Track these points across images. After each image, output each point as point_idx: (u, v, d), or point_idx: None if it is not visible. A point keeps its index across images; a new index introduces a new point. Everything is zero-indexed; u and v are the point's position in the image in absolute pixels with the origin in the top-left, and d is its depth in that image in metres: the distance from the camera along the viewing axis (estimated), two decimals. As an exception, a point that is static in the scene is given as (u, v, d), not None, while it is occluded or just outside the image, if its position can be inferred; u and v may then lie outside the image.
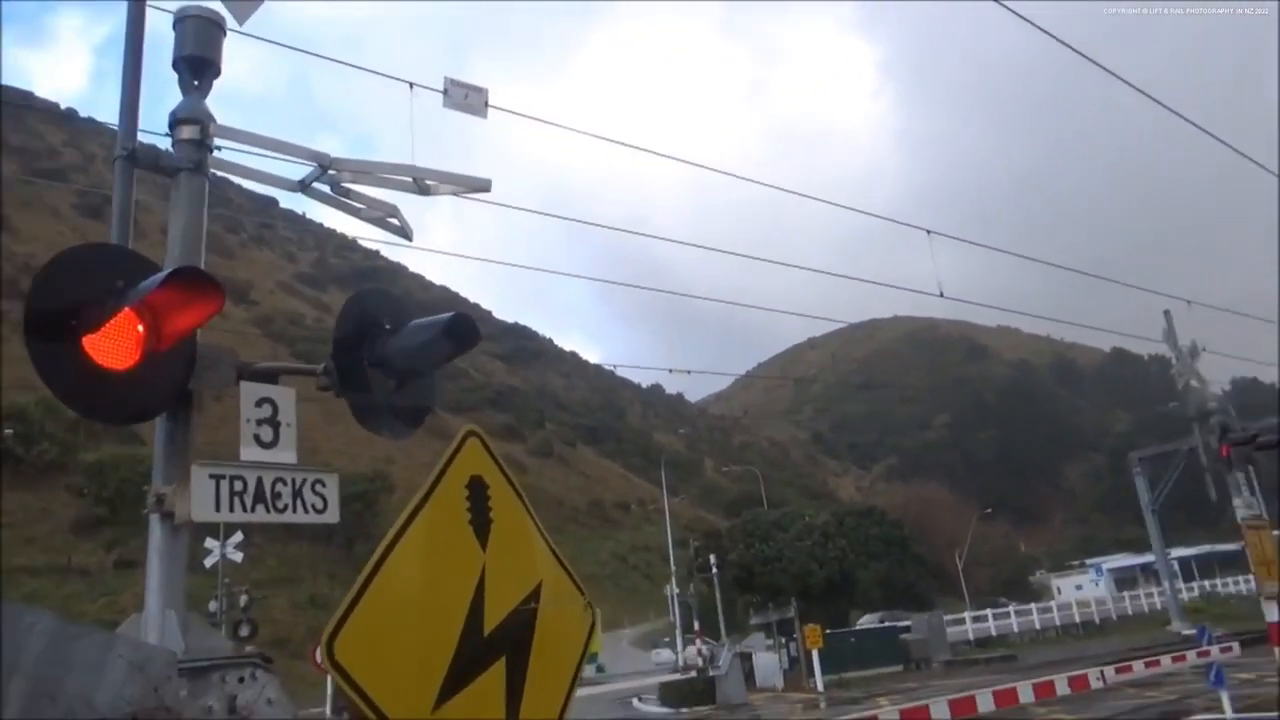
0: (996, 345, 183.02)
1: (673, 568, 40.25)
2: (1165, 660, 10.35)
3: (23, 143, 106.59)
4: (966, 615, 45.21)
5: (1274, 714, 10.60)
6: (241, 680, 3.23)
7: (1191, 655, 10.81)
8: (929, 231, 14.31)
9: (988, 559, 78.77)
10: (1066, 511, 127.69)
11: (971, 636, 41.06)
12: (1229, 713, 10.92)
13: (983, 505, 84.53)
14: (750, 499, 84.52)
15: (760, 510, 71.21)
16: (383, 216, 4.99)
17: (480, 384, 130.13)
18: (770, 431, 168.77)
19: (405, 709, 1.87)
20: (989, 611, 47.06)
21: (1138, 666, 9.67)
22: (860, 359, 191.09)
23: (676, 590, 37.03)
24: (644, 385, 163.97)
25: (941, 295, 16.01)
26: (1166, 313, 11.59)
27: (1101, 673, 8.19)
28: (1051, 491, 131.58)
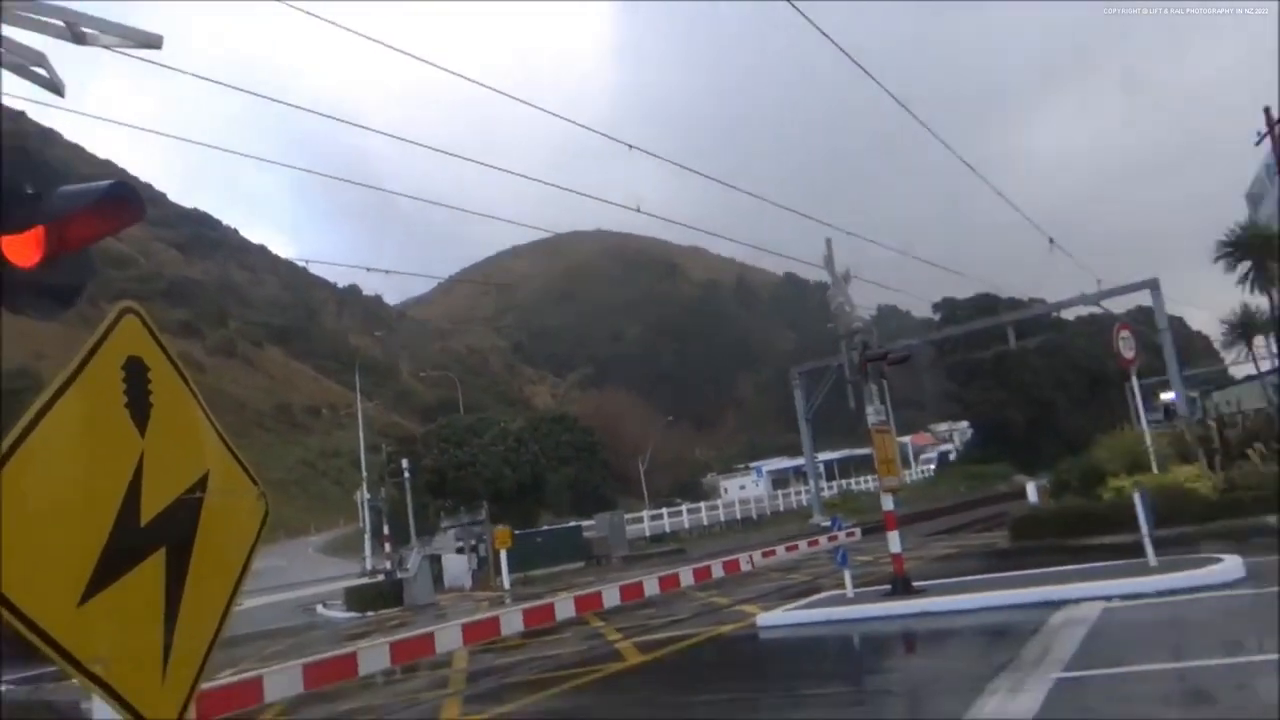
0: (687, 264, 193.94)
1: (364, 473, 39.39)
2: (802, 545, 11.89)
3: None
4: (645, 514, 48.70)
5: (886, 587, 12.57)
6: None
7: (824, 541, 12.51)
8: (630, 146, 14.82)
9: (667, 463, 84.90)
10: (738, 420, 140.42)
11: (648, 533, 44.39)
12: (849, 588, 12.86)
13: (666, 414, 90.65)
14: (447, 405, 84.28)
15: (456, 416, 71.26)
16: (25, 64, 4.31)
17: (151, 274, 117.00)
18: (470, 339, 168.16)
19: (46, 604, 1.74)
20: (664, 510, 51.03)
21: (780, 551, 11.04)
22: (562, 270, 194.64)
23: (367, 496, 36.34)
24: (340, 285, 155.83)
25: (639, 210, 16.78)
26: (828, 240, 12.99)
27: (750, 558, 9.28)
28: (726, 402, 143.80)
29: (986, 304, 59.14)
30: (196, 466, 2.17)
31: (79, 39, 4.19)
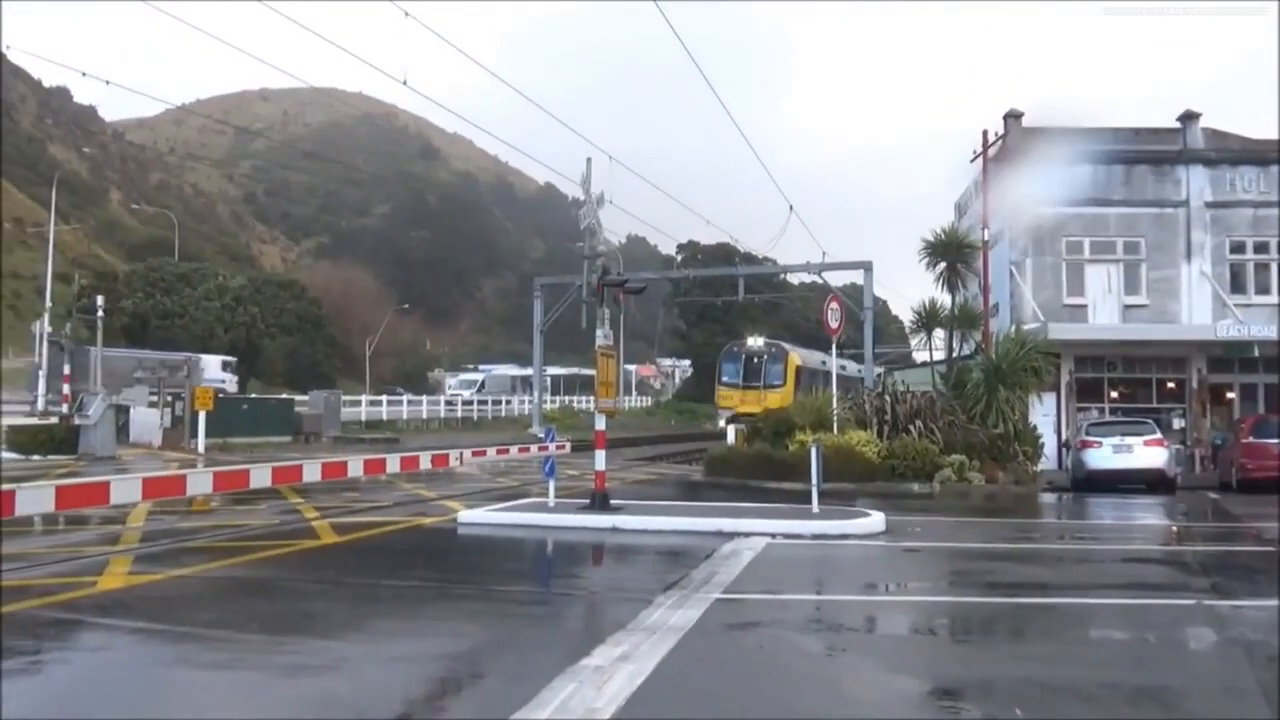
0: (449, 151, 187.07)
1: (48, 304, 35.01)
2: (513, 450, 12.23)
3: None
4: (364, 399, 47.45)
5: (585, 501, 13.25)
6: None
7: (534, 449, 12.94)
8: (406, 13, 13.94)
9: (395, 350, 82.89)
10: (474, 320, 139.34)
11: (364, 418, 43.34)
12: (551, 497, 13.44)
13: (401, 300, 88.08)
14: (160, 246, 76.55)
15: (169, 260, 65.14)
16: None
17: None
18: (198, 178, 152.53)
19: None
20: (384, 398, 49.99)
21: (491, 453, 11.31)
22: (314, 126, 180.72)
23: (49, 329, 32.37)
24: (45, 84, 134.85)
25: (405, 83, 15.95)
26: (588, 159, 13.14)
27: (461, 455, 9.44)
28: (466, 300, 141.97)
29: (725, 253, 62.49)
30: None
31: None
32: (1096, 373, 27.63)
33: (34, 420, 27.44)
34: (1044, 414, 25.59)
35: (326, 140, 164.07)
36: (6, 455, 23.94)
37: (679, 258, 73.62)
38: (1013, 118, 27.77)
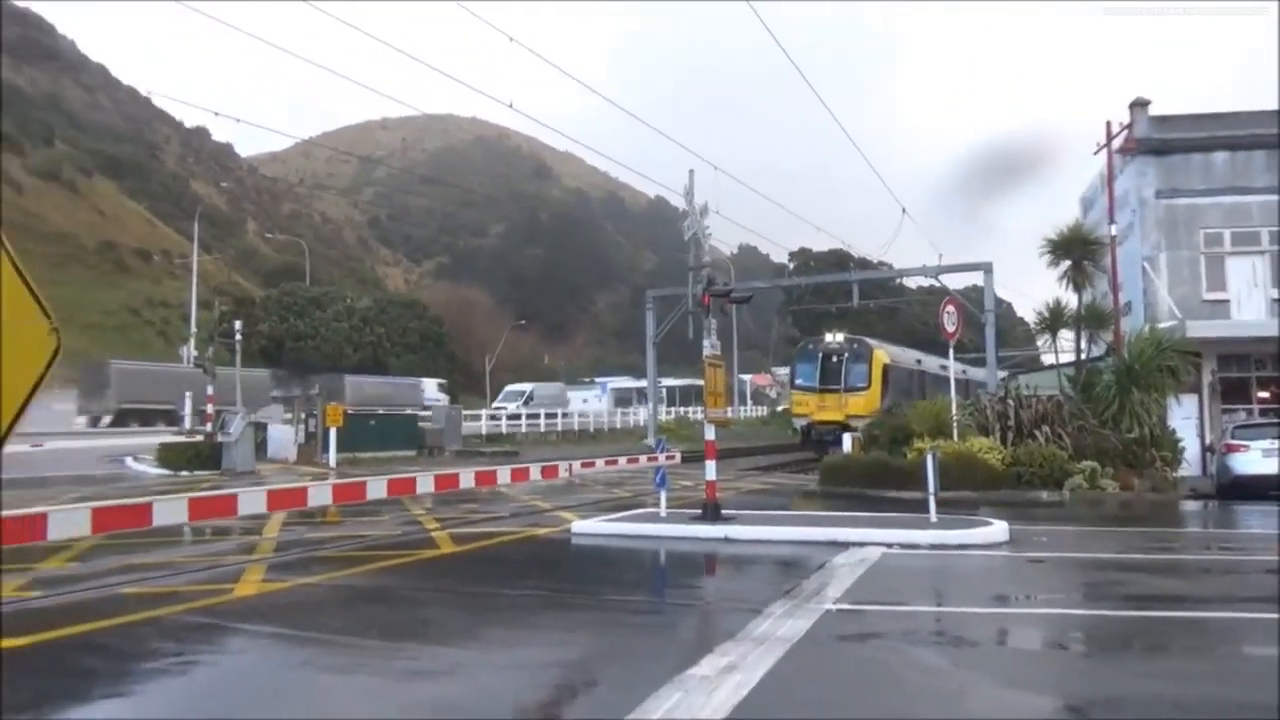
0: (560, 169, 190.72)
1: (193, 329, 37.41)
2: (622, 461, 12.33)
3: None
4: (484, 413, 48.70)
5: (697, 511, 13.25)
6: None
7: (644, 460, 13.00)
8: (511, 39, 14.45)
9: (514, 365, 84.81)
10: (589, 334, 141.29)
11: (484, 432, 44.47)
12: (663, 507, 13.48)
13: (518, 316, 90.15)
14: (293, 272, 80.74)
15: (301, 285, 68.58)
16: None
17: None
18: (325, 207, 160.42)
19: None
20: (503, 411, 51.20)
21: (599, 464, 11.43)
22: (431, 151, 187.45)
23: (195, 353, 34.56)
24: (187, 124, 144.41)
25: (511, 106, 16.47)
26: (690, 171, 13.17)
27: (570, 466, 9.59)
28: (580, 313, 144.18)
29: (838, 259, 61.47)
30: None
31: None
32: (1242, 372, 25.80)
33: (182, 438, 29.30)
34: (1184, 417, 24.07)
35: (443, 165, 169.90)
36: (156, 471, 25.65)
37: (790, 265, 72.88)
38: (1139, 106, 26.33)
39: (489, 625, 7.37)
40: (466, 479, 6.68)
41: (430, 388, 50.68)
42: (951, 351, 20.12)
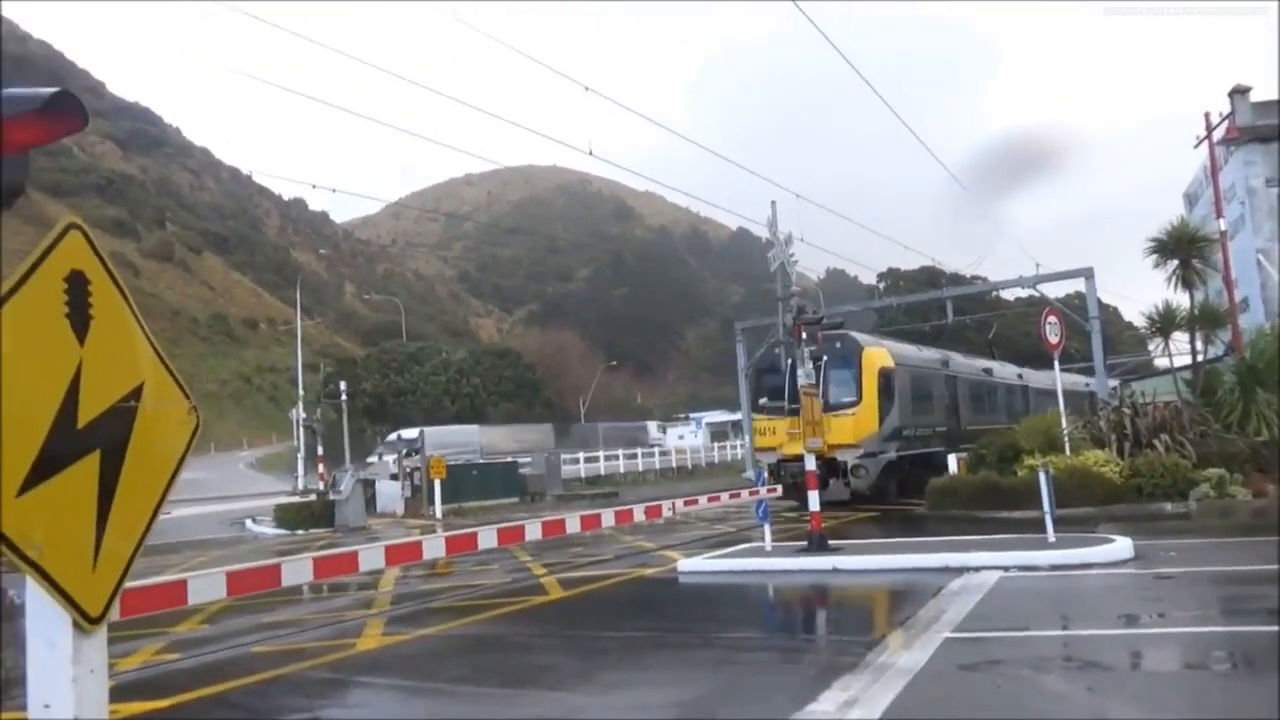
0: (641, 208, 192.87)
1: (300, 392, 38.94)
2: (724, 497, 12.28)
3: None
4: (581, 455, 49.08)
5: (802, 543, 13.08)
6: None
7: (745, 494, 12.92)
8: (586, 88, 14.86)
9: (608, 406, 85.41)
10: (681, 370, 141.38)
11: (583, 475, 44.82)
12: (768, 541, 13.34)
13: (609, 357, 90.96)
14: (389, 330, 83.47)
15: (399, 342, 70.79)
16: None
17: (86, 166, 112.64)
18: (417, 264, 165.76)
19: (-17, 492, 1.88)
20: (601, 453, 51.53)
21: (702, 501, 11.40)
22: (515, 202, 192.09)
23: (303, 415, 36.01)
24: (285, 197, 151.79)
25: (590, 153, 16.83)
26: (773, 203, 13.18)
27: (673, 505, 9.59)
28: (671, 350, 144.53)
29: (929, 277, 60.23)
30: (132, 377, 2.29)
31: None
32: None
33: (296, 498, 30.45)
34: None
35: (527, 214, 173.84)
36: (274, 531, 26.67)
37: (880, 286, 71.79)
38: (1239, 93, 25.23)
39: (603, 669, 7.40)
40: (573, 524, 6.76)
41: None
42: (1057, 363, 19.46)
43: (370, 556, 4.70)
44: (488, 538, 6.01)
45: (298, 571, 4.38)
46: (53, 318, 2.10)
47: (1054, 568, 10.62)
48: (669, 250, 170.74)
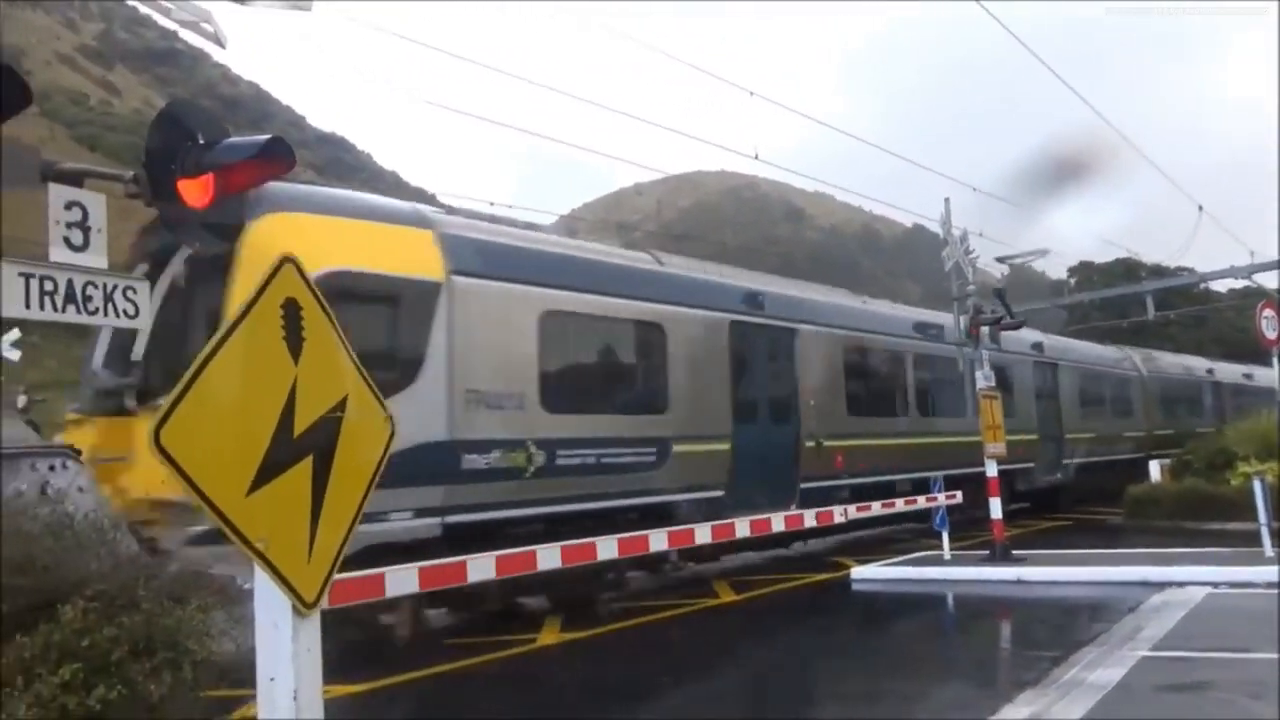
0: (811, 209, 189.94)
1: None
2: (899, 503, 11.98)
3: None
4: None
5: (983, 552, 12.57)
6: (52, 468, 3.40)
7: (921, 500, 12.54)
8: (751, 93, 14.89)
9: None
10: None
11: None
12: (946, 549, 12.89)
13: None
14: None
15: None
16: (196, 21, 4.83)
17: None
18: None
19: (223, 493, 2.20)
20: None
21: (874, 507, 11.17)
22: (683, 209, 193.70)
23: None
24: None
25: (756, 158, 16.87)
26: (946, 200, 12.72)
27: (845, 510, 9.48)
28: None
29: (1126, 269, 56.07)
30: (337, 391, 2.59)
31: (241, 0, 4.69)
32: None
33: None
34: None
35: (696, 220, 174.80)
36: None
37: (1071, 281, 67.47)
38: None
39: (778, 683, 7.42)
40: (742, 528, 6.84)
41: None
42: (1276, 361, 17.74)
43: (480, 567, 4.92)
44: (703, 534, 6.15)
45: (481, 568, 4.70)
46: (273, 340, 2.41)
47: (1271, 585, 9.71)
48: (840, 250, 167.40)
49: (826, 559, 14.82)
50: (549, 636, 9.06)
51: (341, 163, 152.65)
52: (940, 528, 12.86)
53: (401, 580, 4.14)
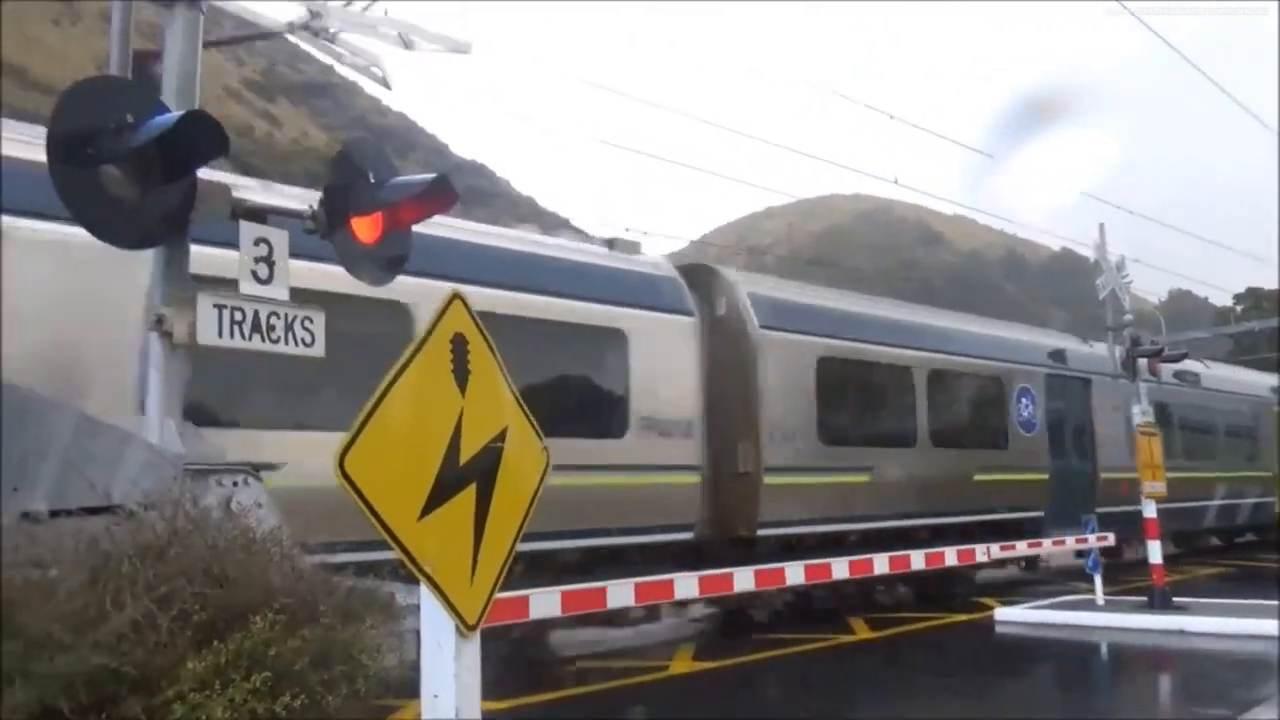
0: (951, 233, 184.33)
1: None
2: (1046, 543, 11.43)
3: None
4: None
5: (1142, 598, 11.82)
6: (235, 485, 3.68)
7: (1070, 541, 11.91)
8: (891, 116, 14.69)
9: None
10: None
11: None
12: (1099, 594, 12.18)
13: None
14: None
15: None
16: (366, 65, 5.16)
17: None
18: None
19: (397, 518, 2.34)
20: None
21: (1020, 546, 10.70)
22: (816, 233, 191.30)
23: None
24: (600, 238, 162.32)
25: (896, 182, 16.57)
26: (1100, 225, 12.11)
27: (988, 550, 9.12)
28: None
29: (1301, 296, 51.83)
30: (499, 422, 2.71)
31: (407, 45, 4.99)
32: None
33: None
34: None
35: (828, 244, 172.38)
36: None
37: (1237, 309, 62.93)
38: None
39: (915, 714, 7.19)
40: (881, 565, 6.65)
41: None
42: None
43: (686, 585, 4.98)
44: (794, 573, 6.12)
45: (621, 595, 4.77)
46: (443, 373, 2.55)
47: None
48: (981, 275, 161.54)
49: (967, 597, 14.27)
50: (680, 665, 9.06)
51: (480, 189, 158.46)
52: (1093, 571, 12.17)
53: (545, 603, 4.25)
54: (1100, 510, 13.61)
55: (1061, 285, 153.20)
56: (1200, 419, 19.79)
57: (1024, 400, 14.92)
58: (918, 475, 12.84)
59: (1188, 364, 18.12)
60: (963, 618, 12.23)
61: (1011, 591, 14.44)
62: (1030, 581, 16.04)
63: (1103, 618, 11.33)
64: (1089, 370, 16.21)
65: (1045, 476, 15.04)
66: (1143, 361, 12.06)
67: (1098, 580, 12.21)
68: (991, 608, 12.47)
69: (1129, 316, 12.03)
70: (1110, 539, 11.92)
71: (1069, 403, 16.10)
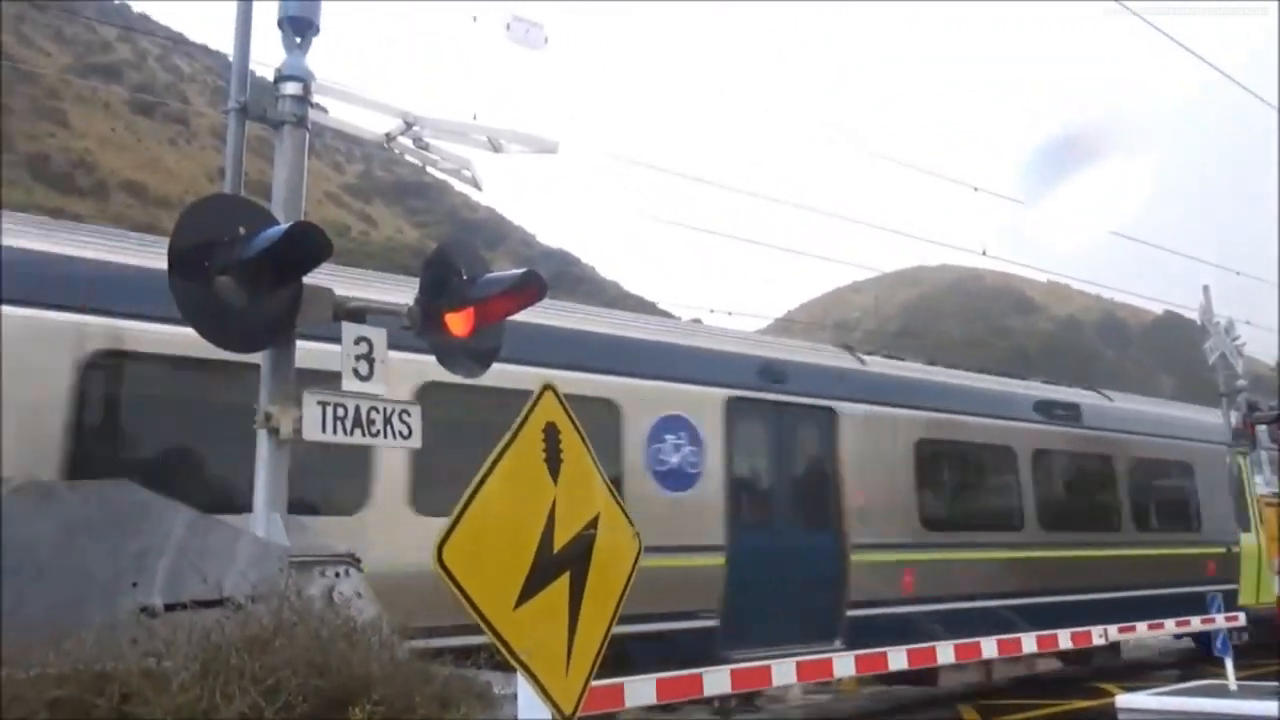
0: (1045, 300, 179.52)
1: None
2: (1169, 624, 10.75)
3: (75, 35, 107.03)
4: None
5: (1275, 684, 10.95)
6: (338, 575, 3.78)
7: (1195, 621, 11.18)
8: (975, 189, 14.58)
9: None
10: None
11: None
12: (1231, 679, 11.32)
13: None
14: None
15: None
16: (457, 169, 5.42)
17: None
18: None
19: (494, 607, 2.37)
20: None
21: (1140, 628, 10.10)
22: (902, 305, 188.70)
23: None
24: (683, 319, 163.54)
25: (984, 254, 16.29)
26: (1205, 288, 11.64)
27: (1105, 631, 8.63)
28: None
29: None
30: (591, 509, 2.74)
31: (497, 149, 5.22)
32: None
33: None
34: None
35: (916, 315, 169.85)
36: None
37: (1362, 368, 59.21)
38: None
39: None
40: (989, 648, 6.31)
41: None
42: None
43: (783, 672, 4.86)
44: (898, 659, 5.89)
45: (716, 683, 4.68)
46: (535, 462, 2.61)
47: None
48: (1078, 341, 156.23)
49: (1082, 683, 13.45)
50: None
51: (568, 276, 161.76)
52: (1223, 653, 11.34)
53: (640, 691, 4.20)
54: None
55: (1167, 349, 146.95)
56: None
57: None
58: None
59: None
60: (1081, 704, 11.51)
61: (1130, 676, 13.57)
62: (1146, 665, 15.06)
63: (1237, 705, 10.49)
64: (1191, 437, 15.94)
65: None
66: (1262, 429, 11.41)
67: (1228, 663, 11.36)
68: (1111, 693, 11.71)
69: (1242, 381, 11.45)
70: (1240, 619, 11.14)
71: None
